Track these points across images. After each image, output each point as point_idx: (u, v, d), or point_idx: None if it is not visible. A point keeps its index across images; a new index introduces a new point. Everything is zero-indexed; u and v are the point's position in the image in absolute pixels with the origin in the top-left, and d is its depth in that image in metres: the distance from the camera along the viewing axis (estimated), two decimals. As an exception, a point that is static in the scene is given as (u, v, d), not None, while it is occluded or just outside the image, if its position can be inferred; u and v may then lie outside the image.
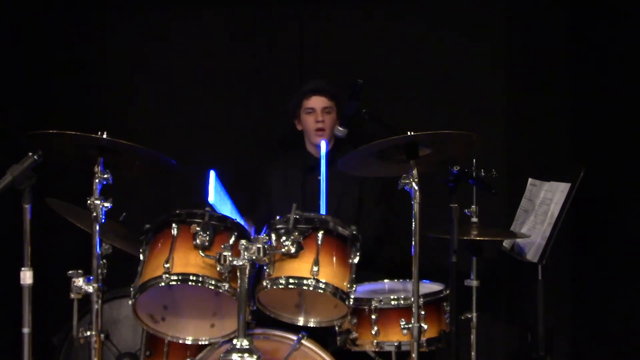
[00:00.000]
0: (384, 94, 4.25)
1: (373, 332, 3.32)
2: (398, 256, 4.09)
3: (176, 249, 3.11)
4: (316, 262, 3.07)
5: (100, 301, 3.01)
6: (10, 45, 4.13)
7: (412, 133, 3.00)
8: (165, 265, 3.06)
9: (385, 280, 3.75)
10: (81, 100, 4.45)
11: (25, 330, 2.87)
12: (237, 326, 2.98)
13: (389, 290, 3.69)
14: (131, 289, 3.14)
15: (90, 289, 2.98)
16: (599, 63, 4.05)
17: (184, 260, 3.09)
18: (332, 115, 4.00)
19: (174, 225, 3.15)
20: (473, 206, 3.61)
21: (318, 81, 4.08)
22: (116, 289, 3.63)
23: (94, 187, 2.98)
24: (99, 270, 3.00)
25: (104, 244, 3.03)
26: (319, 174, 4.05)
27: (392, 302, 3.33)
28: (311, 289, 3.07)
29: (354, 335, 3.33)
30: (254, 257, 2.97)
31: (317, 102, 4.00)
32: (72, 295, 3.00)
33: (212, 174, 3.36)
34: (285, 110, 4.09)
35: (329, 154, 4.04)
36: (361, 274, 3.32)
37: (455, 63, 4.38)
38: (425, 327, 3.16)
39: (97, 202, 2.97)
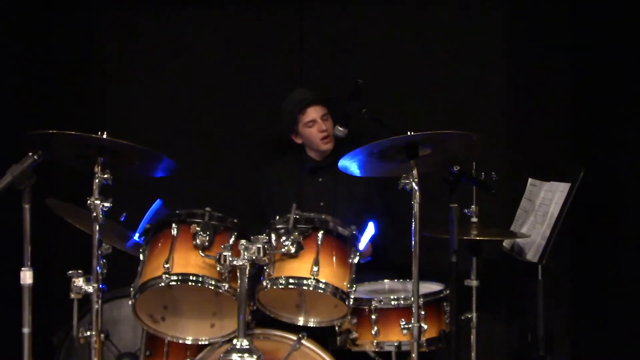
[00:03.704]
0: (384, 94, 4.25)
1: (373, 332, 3.32)
2: (398, 256, 4.09)
3: (176, 249, 3.12)
4: (316, 262, 3.07)
5: (100, 301, 3.01)
6: (10, 45, 4.12)
7: (412, 133, 3.00)
8: (165, 266, 3.06)
9: (385, 280, 3.76)
10: (81, 100, 4.45)
11: (25, 330, 2.87)
12: (237, 326, 2.98)
13: (389, 290, 3.70)
14: (131, 289, 3.15)
15: (90, 289, 2.98)
16: (599, 63, 4.05)
17: (184, 260, 3.10)
18: (330, 119, 4.01)
19: (174, 225, 3.15)
20: (473, 206, 3.61)
21: (302, 91, 4.06)
22: (116, 289, 3.63)
23: (94, 187, 2.98)
24: (99, 270, 3.00)
25: (103, 244, 3.03)
26: (319, 177, 4.07)
27: (392, 302, 3.33)
28: (311, 289, 3.07)
29: (354, 335, 3.33)
30: (254, 257, 2.97)
31: (314, 112, 3.99)
32: (72, 295, 3.00)
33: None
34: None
35: (330, 155, 4.05)
36: (361, 274, 3.33)
37: (455, 63, 4.38)
38: (425, 327, 3.16)
39: (97, 202, 2.97)
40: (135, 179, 3.44)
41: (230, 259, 2.98)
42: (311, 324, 3.22)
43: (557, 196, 3.62)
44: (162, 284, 3.07)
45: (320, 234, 3.13)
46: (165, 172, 3.34)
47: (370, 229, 3.61)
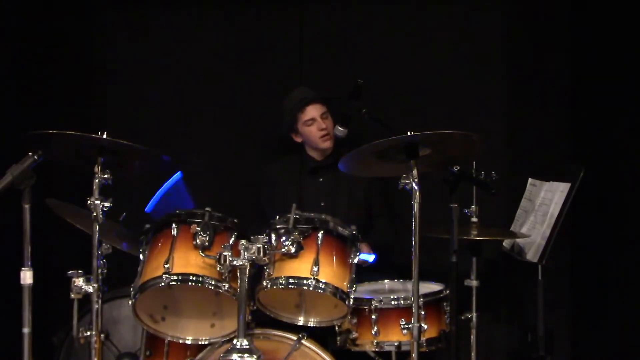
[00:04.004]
0: (384, 94, 4.25)
1: (373, 332, 3.32)
2: (398, 256, 4.09)
3: (176, 249, 3.12)
4: (316, 262, 3.07)
5: (100, 301, 3.01)
6: (11, 45, 4.12)
7: (412, 133, 3.00)
8: (165, 266, 3.06)
9: (385, 280, 3.75)
10: (81, 100, 4.45)
11: (25, 330, 2.87)
12: (237, 326, 2.98)
13: (389, 290, 3.70)
14: (131, 289, 3.15)
15: (90, 289, 2.98)
16: (600, 63, 4.05)
17: (184, 260, 3.10)
18: (330, 118, 4.01)
19: (174, 225, 3.15)
20: (473, 206, 3.60)
21: (303, 90, 4.07)
22: (116, 289, 3.63)
23: (94, 187, 2.98)
24: (99, 270, 3.00)
25: (103, 244, 3.03)
26: (320, 177, 4.07)
27: (392, 302, 3.33)
28: (311, 289, 3.07)
29: (354, 335, 3.33)
30: (254, 257, 2.97)
31: (314, 111, 4.00)
32: (72, 295, 3.00)
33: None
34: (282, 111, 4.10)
35: (330, 155, 4.05)
36: (361, 274, 3.33)
37: (455, 63, 4.38)
38: (425, 327, 3.16)
39: (97, 202, 2.97)
40: (135, 179, 3.43)
41: (230, 259, 2.98)
42: (311, 324, 3.22)
43: (557, 196, 3.62)
44: (162, 284, 3.07)
45: (320, 234, 3.13)
46: (165, 172, 3.34)
47: (369, 257, 3.61)
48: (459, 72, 4.37)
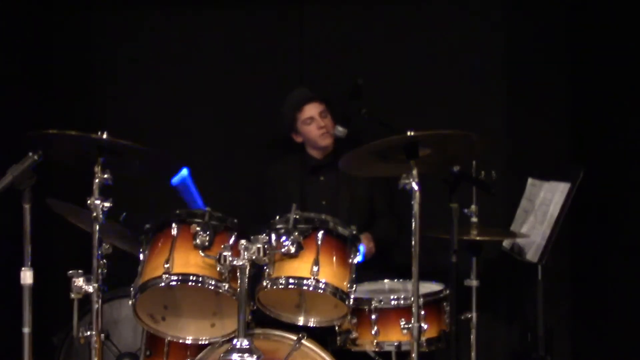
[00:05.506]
0: (384, 94, 4.25)
1: (373, 332, 3.32)
2: (398, 256, 4.09)
3: (176, 248, 3.11)
4: (316, 262, 3.07)
5: (100, 301, 3.01)
6: (11, 45, 4.12)
7: (412, 133, 3.00)
8: (165, 266, 3.06)
9: (385, 280, 3.75)
10: (81, 100, 4.45)
11: (25, 330, 2.87)
12: (237, 326, 2.98)
13: (389, 290, 3.70)
14: (131, 289, 3.14)
15: (90, 289, 2.98)
16: (599, 63, 4.05)
17: (184, 260, 3.09)
18: (329, 116, 4.01)
19: (174, 225, 3.15)
20: (473, 206, 3.60)
21: (301, 89, 4.07)
22: (116, 289, 3.63)
23: (94, 187, 2.98)
24: (99, 270, 3.00)
25: (104, 244, 3.03)
26: (321, 176, 4.07)
27: (392, 302, 3.33)
28: (311, 289, 3.07)
29: (354, 335, 3.33)
30: (254, 257, 2.97)
31: (312, 110, 4.00)
32: (72, 295, 2.99)
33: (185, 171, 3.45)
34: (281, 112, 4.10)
35: (331, 154, 4.06)
36: (361, 274, 3.33)
37: (455, 63, 4.38)
38: (425, 327, 3.15)
39: (97, 202, 2.97)
40: (135, 179, 3.43)
41: (230, 259, 2.98)
42: (311, 324, 3.22)
43: (557, 196, 3.62)
44: (162, 284, 3.07)
45: (320, 234, 3.13)
46: (166, 172, 3.34)
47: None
48: (459, 72, 4.37)
